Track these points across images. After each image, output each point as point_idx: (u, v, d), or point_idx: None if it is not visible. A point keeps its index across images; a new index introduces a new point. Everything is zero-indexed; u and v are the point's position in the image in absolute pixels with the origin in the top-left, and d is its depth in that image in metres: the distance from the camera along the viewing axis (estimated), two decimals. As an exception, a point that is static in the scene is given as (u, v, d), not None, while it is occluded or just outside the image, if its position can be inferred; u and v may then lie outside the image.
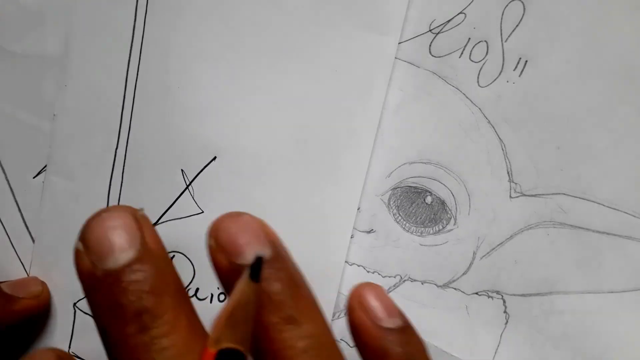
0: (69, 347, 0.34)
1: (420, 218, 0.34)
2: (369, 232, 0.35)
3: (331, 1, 0.33)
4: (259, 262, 0.21)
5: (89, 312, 0.34)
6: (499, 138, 0.34)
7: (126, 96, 0.34)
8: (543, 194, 0.34)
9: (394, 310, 0.26)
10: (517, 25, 0.33)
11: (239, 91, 0.34)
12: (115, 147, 0.34)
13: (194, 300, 0.34)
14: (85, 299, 0.34)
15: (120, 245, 0.21)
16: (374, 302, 0.26)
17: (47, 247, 0.35)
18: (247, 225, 0.23)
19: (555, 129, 0.34)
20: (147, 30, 0.34)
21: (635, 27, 0.33)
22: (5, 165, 0.34)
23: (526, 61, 0.33)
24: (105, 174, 0.34)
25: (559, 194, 0.34)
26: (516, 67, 0.34)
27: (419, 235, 0.35)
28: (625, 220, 0.34)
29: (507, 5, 0.33)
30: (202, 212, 0.34)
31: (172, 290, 0.22)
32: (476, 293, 0.35)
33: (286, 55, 0.34)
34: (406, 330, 0.26)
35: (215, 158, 0.34)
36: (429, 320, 0.35)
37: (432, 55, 0.34)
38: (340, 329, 0.35)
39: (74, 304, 0.34)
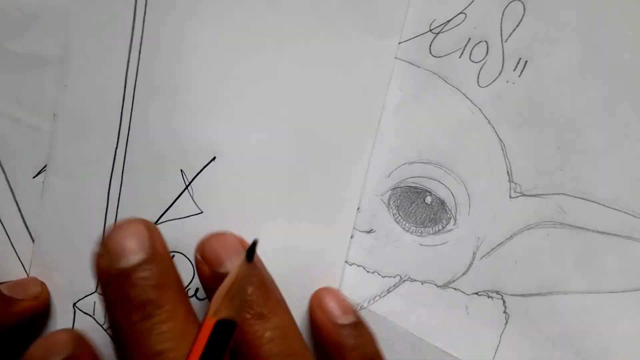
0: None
1: (420, 218, 0.34)
2: (368, 232, 0.34)
3: (331, 1, 0.33)
4: (254, 245, 0.24)
5: (88, 312, 0.34)
6: (499, 138, 0.34)
7: (126, 96, 0.34)
8: (543, 194, 0.34)
9: (348, 309, 0.31)
10: (517, 26, 0.33)
11: (239, 91, 0.34)
12: (115, 147, 0.34)
13: (193, 300, 0.34)
14: (84, 299, 0.34)
15: (133, 249, 0.26)
16: (331, 303, 0.31)
17: (47, 247, 0.34)
18: (227, 242, 0.29)
19: (555, 129, 0.33)
20: (147, 29, 0.33)
21: (635, 28, 0.33)
22: (5, 165, 0.34)
23: (526, 61, 0.33)
24: (105, 174, 0.34)
25: (559, 194, 0.34)
26: (516, 67, 0.33)
27: (418, 235, 0.34)
28: (625, 221, 0.34)
29: (507, 6, 0.33)
30: (202, 212, 0.34)
31: (173, 286, 0.26)
32: (476, 293, 0.34)
33: (286, 56, 0.33)
34: (358, 325, 0.31)
35: (214, 158, 0.34)
36: (428, 320, 0.34)
37: (432, 55, 0.34)
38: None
39: (74, 304, 0.34)
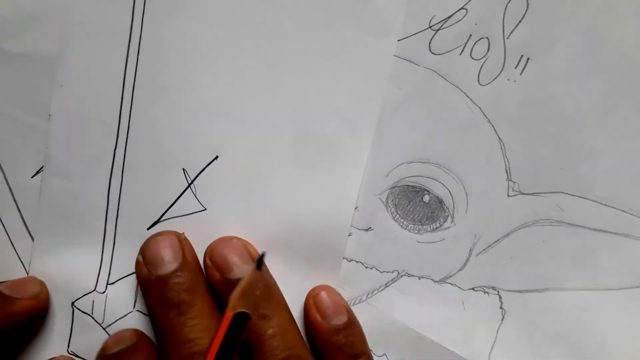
0: (68, 347, 0.34)
1: (418, 216, 0.34)
2: (367, 230, 0.34)
3: (330, 1, 0.32)
4: (261, 258, 0.29)
5: (87, 311, 0.34)
6: (499, 137, 0.33)
7: (124, 96, 0.33)
8: (541, 193, 0.34)
9: (340, 309, 0.33)
10: (519, 22, 0.32)
11: (239, 91, 0.33)
12: (114, 147, 0.33)
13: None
14: (82, 298, 0.34)
15: (168, 259, 0.32)
16: (324, 304, 0.33)
17: (47, 246, 0.34)
18: (234, 248, 0.32)
19: (554, 128, 0.33)
20: (145, 28, 0.33)
21: (637, 26, 0.32)
22: (4, 164, 0.34)
23: (528, 59, 0.32)
24: (104, 173, 0.34)
25: (557, 192, 0.33)
26: (517, 64, 0.33)
27: (416, 233, 0.34)
28: (622, 218, 0.33)
29: (510, 1, 0.32)
30: (205, 209, 0.34)
31: (201, 289, 0.32)
32: (472, 288, 0.34)
33: (285, 55, 0.33)
34: (349, 325, 0.33)
35: (217, 157, 0.34)
36: (425, 315, 0.35)
37: (432, 53, 0.33)
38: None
39: (73, 302, 0.34)
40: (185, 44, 0.33)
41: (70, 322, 0.34)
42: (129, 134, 0.33)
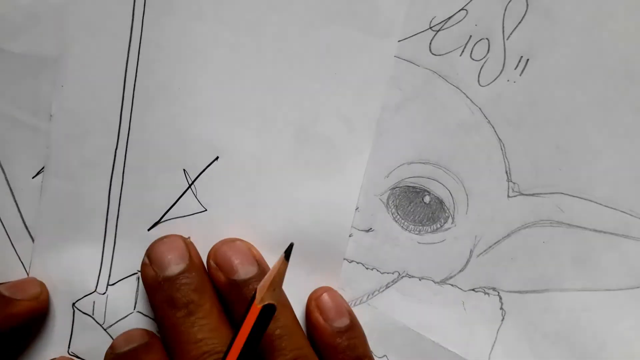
0: (68, 347, 0.34)
1: (419, 217, 0.34)
2: (367, 230, 0.34)
3: (330, 2, 0.32)
4: (290, 247, 0.28)
5: (87, 312, 0.34)
6: (499, 138, 0.33)
7: (125, 96, 0.33)
8: (541, 193, 0.33)
9: (342, 311, 0.33)
10: (519, 23, 0.32)
11: (239, 91, 0.33)
12: (114, 147, 0.33)
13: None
14: (83, 299, 0.34)
15: (176, 260, 0.32)
16: (326, 306, 0.33)
17: (47, 247, 0.34)
18: (238, 250, 0.32)
19: (554, 129, 0.33)
20: (145, 29, 0.32)
21: (636, 27, 0.32)
22: (5, 165, 0.34)
23: (527, 60, 0.32)
24: (105, 174, 0.33)
25: (557, 193, 0.33)
26: (517, 65, 0.33)
27: (417, 234, 0.34)
28: (621, 219, 0.33)
29: (509, 2, 0.32)
30: (205, 210, 0.34)
31: (209, 290, 0.32)
32: (473, 289, 0.34)
33: (286, 56, 0.33)
34: (351, 327, 0.33)
35: (217, 158, 0.33)
36: (426, 316, 0.34)
37: (432, 54, 0.33)
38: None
39: (73, 303, 0.34)
40: (186, 44, 0.33)
41: (71, 322, 0.34)
42: (130, 135, 0.33)
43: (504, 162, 0.33)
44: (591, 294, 0.34)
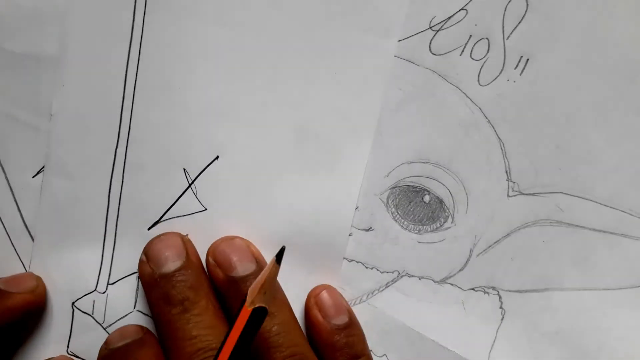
0: (67, 347, 0.34)
1: (418, 216, 0.34)
2: (367, 230, 0.34)
3: (330, 1, 0.32)
4: (282, 251, 0.28)
5: (87, 311, 0.34)
6: (499, 137, 0.33)
7: (125, 96, 0.33)
8: (541, 193, 0.33)
9: (341, 309, 0.33)
10: (519, 22, 0.32)
11: (240, 91, 0.33)
12: (115, 146, 0.33)
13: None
14: (83, 298, 0.34)
15: (172, 257, 0.32)
16: (325, 304, 0.33)
17: (47, 247, 0.34)
18: (237, 247, 0.32)
19: (554, 128, 0.33)
20: (147, 28, 0.32)
21: (636, 26, 0.32)
22: (5, 164, 0.34)
23: (527, 59, 0.32)
24: (105, 173, 0.33)
25: (557, 192, 0.33)
26: (517, 65, 0.32)
27: (416, 233, 0.34)
28: (621, 219, 0.33)
29: (509, 1, 0.32)
30: (205, 209, 0.34)
31: (205, 287, 0.32)
32: (472, 289, 0.34)
33: (286, 55, 0.32)
34: (350, 325, 0.33)
35: (217, 157, 0.33)
36: (425, 315, 0.34)
37: (432, 53, 0.33)
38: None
39: (73, 303, 0.34)
40: (187, 44, 0.33)
41: (70, 322, 0.34)
42: (130, 134, 0.33)
43: (504, 161, 0.33)
44: (591, 294, 0.34)
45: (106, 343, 0.32)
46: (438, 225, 0.34)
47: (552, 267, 0.34)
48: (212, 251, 0.33)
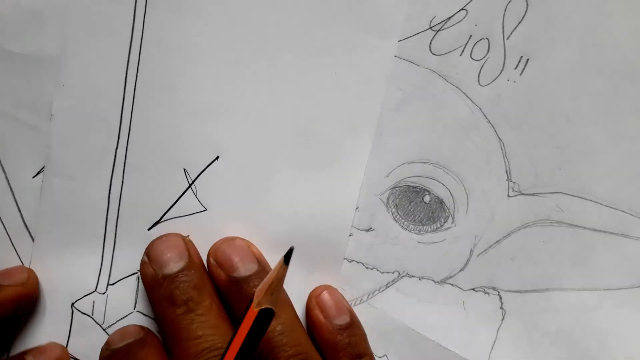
0: (66, 348, 0.34)
1: (419, 217, 0.34)
2: (367, 230, 0.34)
3: (331, 2, 0.32)
4: (290, 252, 0.27)
5: (87, 312, 0.34)
6: (499, 137, 0.33)
7: (126, 96, 0.33)
8: (541, 193, 0.33)
9: (343, 309, 0.33)
10: (519, 23, 0.32)
11: (239, 91, 0.33)
12: (115, 147, 0.33)
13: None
14: (82, 299, 0.34)
15: (175, 258, 0.32)
16: (327, 304, 0.33)
17: (47, 247, 0.33)
18: (238, 247, 0.32)
19: (554, 129, 0.33)
20: (147, 29, 0.32)
21: (636, 27, 0.32)
22: (5, 164, 0.34)
23: (527, 59, 0.32)
24: (105, 173, 0.33)
25: (557, 192, 0.33)
26: (517, 65, 0.32)
27: (417, 234, 0.34)
28: (621, 219, 0.33)
29: (509, 2, 0.32)
30: (206, 209, 0.34)
31: (208, 287, 0.31)
32: (473, 289, 0.34)
33: (286, 55, 0.32)
34: (351, 325, 0.33)
35: (217, 157, 0.33)
36: (426, 315, 0.34)
37: (433, 54, 0.33)
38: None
39: (72, 304, 0.34)
40: (187, 44, 0.32)
41: (69, 323, 0.34)
42: (130, 134, 0.33)
43: (504, 161, 0.33)
44: (591, 294, 0.34)
45: (107, 344, 0.32)
46: (438, 225, 0.34)
47: (552, 267, 0.34)
48: (213, 252, 0.32)
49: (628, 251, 0.33)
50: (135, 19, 0.32)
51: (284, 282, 0.32)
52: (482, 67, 0.32)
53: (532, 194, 0.33)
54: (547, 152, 0.33)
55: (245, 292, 0.31)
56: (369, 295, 0.34)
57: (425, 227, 0.34)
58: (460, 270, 0.34)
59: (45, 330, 0.34)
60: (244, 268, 0.32)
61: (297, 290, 0.33)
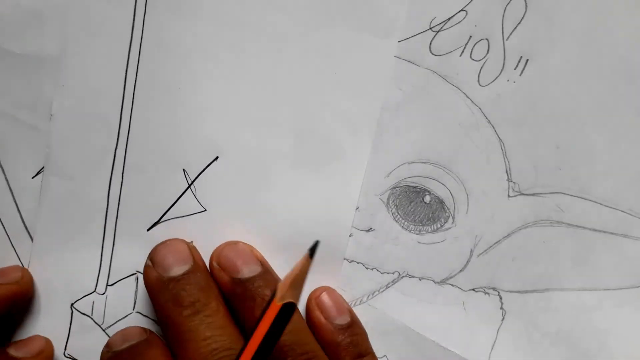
0: (65, 348, 0.34)
1: (419, 217, 0.34)
2: (368, 230, 0.34)
3: (331, 2, 0.32)
4: (316, 245, 0.26)
5: (86, 312, 0.34)
6: (499, 138, 0.33)
7: (125, 96, 0.33)
8: (541, 193, 0.33)
9: (343, 309, 0.33)
10: (518, 23, 0.32)
11: (239, 91, 0.33)
12: (114, 147, 0.33)
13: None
14: (82, 300, 0.34)
15: (179, 262, 0.32)
16: (327, 304, 0.33)
17: (46, 247, 0.33)
18: (241, 251, 0.33)
19: (554, 129, 0.33)
20: (147, 29, 0.32)
21: (636, 27, 0.32)
22: (5, 164, 0.34)
23: (527, 60, 0.32)
24: (105, 174, 0.33)
25: (557, 193, 0.33)
26: (517, 65, 0.32)
27: (417, 234, 0.34)
28: (621, 219, 0.33)
29: (509, 3, 0.32)
30: (205, 210, 0.34)
31: (214, 290, 0.32)
32: (473, 289, 0.34)
33: (286, 55, 0.32)
34: (352, 325, 0.33)
35: (217, 158, 0.33)
36: (426, 316, 0.34)
37: (433, 54, 0.33)
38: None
39: (72, 304, 0.34)
40: (187, 44, 0.32)
41: (69, 323, 0.34)
42: (130, 135, 0.33)
43: (504, 162, 0.33)
44: (591, 294, 0.34)
45: (108, 346, 0.32)
46: (438, 225, 0.34)
47: (552, 267, 0.34)
48: (216, 256, 0.33)
49: (628, 251, 0.33)
50: (135, 19, 0.32)
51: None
52: (482, 67, 0.32)
53: (532, 194, 0.33)
54: (547, 152, 0.33)
55: (250, 293, 0.31)
56: (369, 295, 0.34)
57: (425, 227, 0.34)
58: (461, 271, 0.34)
59: (45, 330, 0.34)
60: (248, 270, 0.32)
61: (297, 290, 0.33)
